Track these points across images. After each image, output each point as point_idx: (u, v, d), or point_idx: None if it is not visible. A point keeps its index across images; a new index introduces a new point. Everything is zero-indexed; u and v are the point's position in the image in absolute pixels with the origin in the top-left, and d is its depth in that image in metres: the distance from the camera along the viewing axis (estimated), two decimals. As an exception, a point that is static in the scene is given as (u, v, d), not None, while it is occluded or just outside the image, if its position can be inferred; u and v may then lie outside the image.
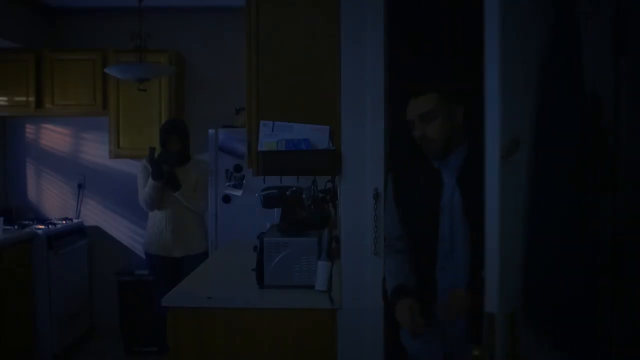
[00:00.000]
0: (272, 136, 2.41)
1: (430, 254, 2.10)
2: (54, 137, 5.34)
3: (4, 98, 4.92)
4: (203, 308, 2.46)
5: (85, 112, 4.99)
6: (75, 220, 5.15)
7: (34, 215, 5.24)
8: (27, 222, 4.86)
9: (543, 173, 1.45)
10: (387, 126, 2.36)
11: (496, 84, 1.19)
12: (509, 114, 1.20)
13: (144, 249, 4.36)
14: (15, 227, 4.68)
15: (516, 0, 1.27)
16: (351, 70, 2.33)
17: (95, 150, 5.29)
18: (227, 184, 4.51)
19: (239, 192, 4.49)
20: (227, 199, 4.51)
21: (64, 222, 5.02)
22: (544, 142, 1.45)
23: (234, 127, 4.60)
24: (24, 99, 4.89)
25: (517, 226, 1.32)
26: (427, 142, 2.08)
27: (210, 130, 4.57)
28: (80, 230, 5.10)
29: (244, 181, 4.48)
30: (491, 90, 1.19)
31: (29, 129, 5.34)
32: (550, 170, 1.47)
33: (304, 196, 3.07)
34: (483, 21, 1.20)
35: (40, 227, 4.68)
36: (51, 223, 4.88)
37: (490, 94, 1.19)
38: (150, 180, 4.09)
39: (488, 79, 1.20)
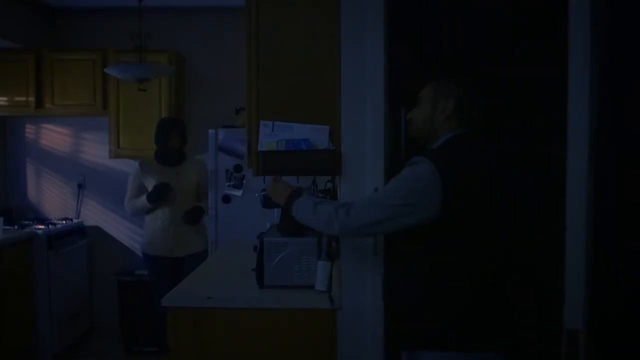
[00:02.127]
0: (272, 136, 2.41)
1: None
2: (54, 137, 5.34)
3: (4, 98, 4.92)
4: (203, 308, 2.46)
5: (85, 112, 4.99)
6: (75, 220, 5.15)
7: (34, 215, 5.24)
8: (27, 222, 4.86)
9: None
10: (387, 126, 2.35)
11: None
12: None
13: (142, 249, 4.34)
14: (15, 227, 4.67)
15: None
16: (351, 70, 2.34)
17: (95, 150, 5.29)
18: (227, 184, 4.51)
19: (239, 192, 4.50)
20: (227, 199, 4.51)
21: (64, 222, 5.02)
22: None
23: (234, 127, 4.60)
24: (24, 99, 4.89)
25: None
26: (409, 124, 2.14)
27: (210, 130, 4.57)
28: (80, 230, 5.10)
29: (244, 181, 4.49)
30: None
31: (29, 129, 5.34)
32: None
33: (304, 196, 3.06)
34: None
35: (40, 227, 4.68)
36: (51, 223, 4.88)
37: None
38: (143, 199, 4.11)
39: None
